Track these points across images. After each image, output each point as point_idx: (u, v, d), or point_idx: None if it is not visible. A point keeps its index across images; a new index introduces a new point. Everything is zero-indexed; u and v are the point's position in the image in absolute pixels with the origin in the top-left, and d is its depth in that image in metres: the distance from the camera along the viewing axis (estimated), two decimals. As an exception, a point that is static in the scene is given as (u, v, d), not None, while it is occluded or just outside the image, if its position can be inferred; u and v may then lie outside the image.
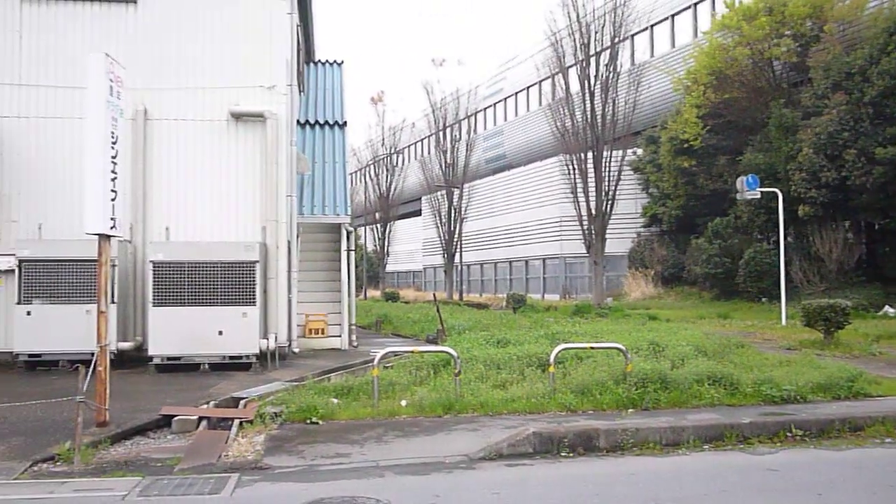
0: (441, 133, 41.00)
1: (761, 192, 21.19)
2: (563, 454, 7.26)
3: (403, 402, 8.98)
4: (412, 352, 11.26)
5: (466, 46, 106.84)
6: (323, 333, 15.64)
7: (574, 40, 28.19)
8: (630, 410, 8.57)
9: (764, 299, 25.07)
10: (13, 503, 6.02)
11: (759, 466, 6.81)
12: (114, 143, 8.46)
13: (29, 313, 12.07)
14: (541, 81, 38.96)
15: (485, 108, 47.09)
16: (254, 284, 12.24)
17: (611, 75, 27.58)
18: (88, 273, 11.79)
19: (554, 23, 29.14)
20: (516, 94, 44.55)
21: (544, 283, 38.28)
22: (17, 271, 12.16)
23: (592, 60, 27.78)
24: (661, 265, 31.93)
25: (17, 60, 13.19)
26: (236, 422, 8.36)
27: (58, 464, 7.09)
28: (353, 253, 16.73)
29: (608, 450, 7.40)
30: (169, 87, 13.39)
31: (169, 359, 12.08)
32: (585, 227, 28.11)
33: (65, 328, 11.97)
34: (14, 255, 12.30)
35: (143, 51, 13.33)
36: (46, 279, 12.15)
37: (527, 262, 39.67)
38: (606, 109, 27.53)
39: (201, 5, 13.59)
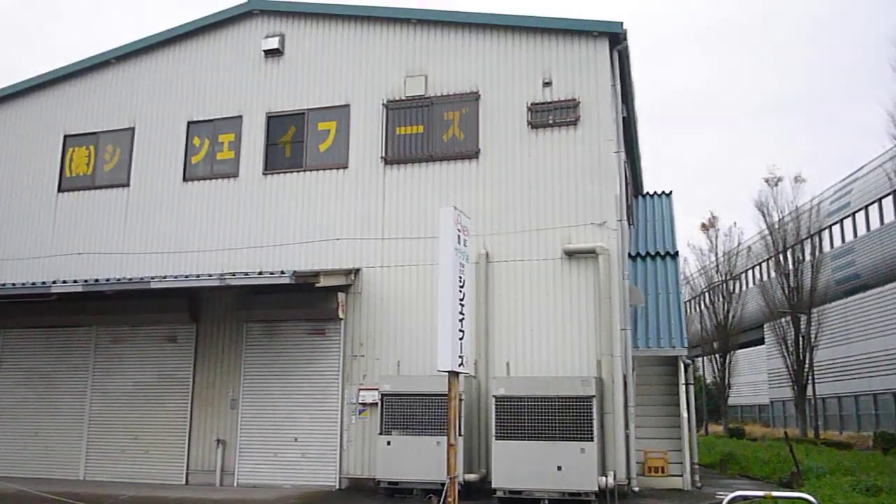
0: (781, 255, 38.36)
1: None
2: None
3: (758, 555, 8.18)
4: (764, 496, 10.26)
5: (800, 163, 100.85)
6: (663, 472, 14.93)
7: (934, 140, 25.20)
8: None
9: None
10: None
11: None
12: (461, 286, 9.26)
13: (389, 443, 13.21)
14: (895, 191, 35.18)
15: (829, 226, 43.40)
16: (591, 419, 12.21)
17: None
18: (438, 406, 12.72)
19: (906, 125, 26.41)
20: (866, 206, 40.53)
21: (921, 419, 33.03)
22: (379, 404, 13.50)
23: (961, 162, 24.56)
24: None
25: (380, 218, 15.18)
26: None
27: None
28: (691, 386, 16.02)
29: None
30: (507, 231, 14.40)
31: (511, 492, 12.35)
32: (970, 355, 24.05)
33: (418, 458, 12.88)
34: (377, 389, 13.72)
35: (484, 199, 14.60)
36: (403, 412, 13.27)
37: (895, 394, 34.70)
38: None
39: (533, 154, 14.61)
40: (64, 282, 14.59)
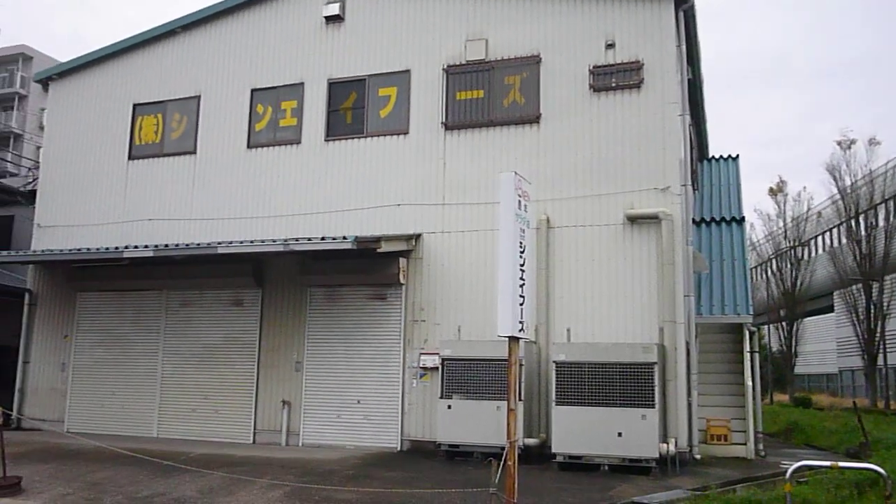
0: (853, 221, 37.09)
1: None
2: None
3: (823, 525, 8.07)
4: (831, 466, 10.08)
5: (875, 126, 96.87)
6: (726, 440, 14.79)
7: None
8: None
9: None
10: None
11: None
12: (521, 252, 9.22)
13: (449, 407, 13.37)
14: (978, 155, 33.52)
15: (905, 190, 41.72)
16: (652, 386, 12.14)
17: None
18: (498, 371, 12.81)
19: None
20: (945, 171, 38.79)
21: None
22: (440, 369, 13.65)
23: None
24: None
25: (440, 184, 15.20)
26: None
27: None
28: (756, 354, 15.75)
29: None
30: (568, 197, 14.27)
31: (570, 457, 12.41)
32: None
33: (478, 422, 13.03)
34: (438, 354, 13.86)
35: (545, 164, 14.47)
36: (463, 376, 13.41)
37: (973, 365, 33.47)
38: None
39: (595, 118, 14.38)
40: (135, 247, 15.07)
